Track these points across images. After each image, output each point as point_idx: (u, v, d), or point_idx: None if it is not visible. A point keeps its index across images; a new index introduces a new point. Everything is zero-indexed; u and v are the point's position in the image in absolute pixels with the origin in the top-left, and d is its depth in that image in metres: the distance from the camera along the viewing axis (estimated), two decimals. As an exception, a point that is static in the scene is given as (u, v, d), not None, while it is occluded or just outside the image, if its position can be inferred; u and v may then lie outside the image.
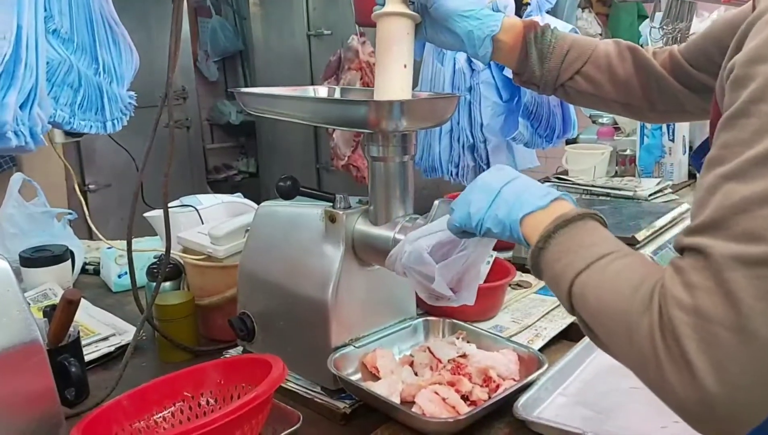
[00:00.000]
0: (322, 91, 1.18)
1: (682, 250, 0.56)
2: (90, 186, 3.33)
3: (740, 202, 0.51)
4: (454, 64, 1.33)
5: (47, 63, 0.87)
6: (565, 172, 2.17)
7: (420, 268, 0.83)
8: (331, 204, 1.00)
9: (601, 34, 3.45)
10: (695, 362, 0.50)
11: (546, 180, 2.09)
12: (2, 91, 0.80)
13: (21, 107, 0.82)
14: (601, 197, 1.92)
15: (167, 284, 1.22)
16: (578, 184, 2.03)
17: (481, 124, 1.33)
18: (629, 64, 0.97)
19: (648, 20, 2.49)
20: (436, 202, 0.91)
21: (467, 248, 0.82)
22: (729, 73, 0.56)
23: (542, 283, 1.35)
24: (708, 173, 0.55)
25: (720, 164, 0.53)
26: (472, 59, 1.30)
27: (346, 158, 2.94)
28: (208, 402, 0.90)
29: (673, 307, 0.53)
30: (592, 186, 2.00)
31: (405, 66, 0.93)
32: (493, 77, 1.29)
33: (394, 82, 0.93)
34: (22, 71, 0.80)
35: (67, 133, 1.32)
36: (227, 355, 1.13)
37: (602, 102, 1.01)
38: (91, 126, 0.93)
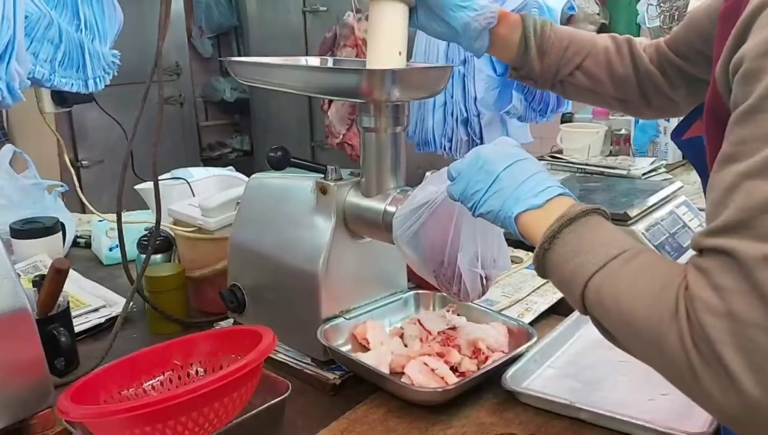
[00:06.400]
0: (314, 62, 1.17)
1: (701, 250, 0.54)
2: (83, 162, 3.30)
3: (765, 201, 0.49)
4: (449, 36, 1.32)
5: (26, 17, 0.84)
6: (560, 151, 2.16)
7: (472, 282, 0.86)
8: (323, 175, 1.00)
9: (599, 14, 3.42)
10: (733, 367, 0.49)
11: (541, 159, 2.09)
12: (-24, 44, 0.78)
13: (-3, 61, 0.80)
14: (595, 176, 1.91)
15: (158, 257, 1.22)
16: (572, 163, 2.02)
17: (475, 98, 1.32)
18: (627, 60, 0.96)
19: (646, -2, 2.47)
20: (428, 174, 0.90)
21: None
22: (737, 66, 0.53)
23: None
24: (723, 170, 0.53)
25: (736, 161, 0.51)
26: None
27: (341, 136, 2.92)
28: (197, 372, 0.90)
29: (702, 311, 0.51)
30: (586, 165, 1.99)
31: (400, 53, 0.91)
32: (488, 50, 1.28)
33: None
34: None
35: (57, 102, 1.30)
36: (217, 327, 1.13)
37: (599, 98, 1.00)
38: (72, 84, 0.91)
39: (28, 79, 0.84)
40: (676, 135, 0.77)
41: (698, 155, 0.68)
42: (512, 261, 1.35)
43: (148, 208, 1.50)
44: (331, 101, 2.82)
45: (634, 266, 0.59)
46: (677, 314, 0.53)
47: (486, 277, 0.88)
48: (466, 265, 0.84)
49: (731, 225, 0.51)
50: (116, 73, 0.98)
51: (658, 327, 0.54)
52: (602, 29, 3.42)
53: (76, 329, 1.10)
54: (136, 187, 1.42)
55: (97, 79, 0.95)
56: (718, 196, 0.53)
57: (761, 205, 0.49)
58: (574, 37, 0.96)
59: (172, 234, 1.25)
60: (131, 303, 1.09)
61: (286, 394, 0.85)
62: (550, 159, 2.09)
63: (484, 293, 0.89)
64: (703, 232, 0.54)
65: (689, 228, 1.38)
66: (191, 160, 3.94)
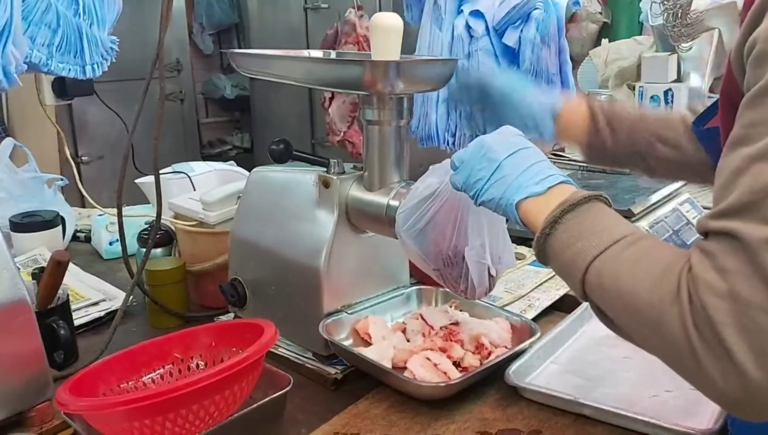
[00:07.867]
0: (317, 54, 1.16)
1: (706, 233, 0.54)
2: (83, 157, 3.29)
3: None
4: (453, 30, 1.31)
5: (23, 0, 0.84)
6: (562, 149, 2.16)
7: (480, 276, 0.85)
8: (325, 169, 0.99)
9: (600, 12, 3.41)
10: (735, 349, 0.48)
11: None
12: (-28, 26, 0.77)
13: (-7, 44, 0.79)
14: (597, 174, 1.90)
15: (159, 250, 1.21)
16: (574, 161, 2.02)
17: (478, 93, 1.31)
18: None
19: (648, -4, 2.46)
20: (431, 167, 0.90)
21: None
22: (750, 49, 0.53)
23: (536, 255, 1.35)
24: (732, 153, 0.52)
25: (745, 144, 0.51)
26: (470, 25, 1.28)
27: (342, 133, 2.92)
28: (198, 365, 0.89)
29: (705, 293, 0.50)
30: (588, 162, 1.98)
31: None
32: (492, 45, 1.27)
33: None
34: None
35: (57, 94, 1.29)
36: (218, 322, 1.12)
37: (688, 168, 0.93)
38: (69, 69, 0.90)
39: (25, 63, 0.83)
40: (698, 124, 0.76)
41: (716, 145, 0.68)
42: (515, 257, 1.34)
43: (149, 203, 1.50)
44: (332, 98, 2.81)
45: (635, 250, 0.59)
46: (679, 296, 0.52)
47: (493, 272, 0.87)
48: (474, 258, 0.83)
49: (737, 207, 0.51)
50: (114, 60, 0.97)
51: (659, 308, 0.54)
52: (604, 28, 3.42)
53: (76, 323, 1.09)
54: (136, 180, 1.42)
55: (95, 65, 0.93)
56: (726, 179, 0.52)
57: None
58: (645, 111, 0.96)
59: (173, 228, 1.24)
60: (131, 297, 1.08)
61: (287, 389, 0.84)
62: (553, 156, 2.08)
63: (490, 290, 0.88)
64: (708, 214, 0.54)
65: (692, 225, 1.37)
66: (191, 157, 3.93)
